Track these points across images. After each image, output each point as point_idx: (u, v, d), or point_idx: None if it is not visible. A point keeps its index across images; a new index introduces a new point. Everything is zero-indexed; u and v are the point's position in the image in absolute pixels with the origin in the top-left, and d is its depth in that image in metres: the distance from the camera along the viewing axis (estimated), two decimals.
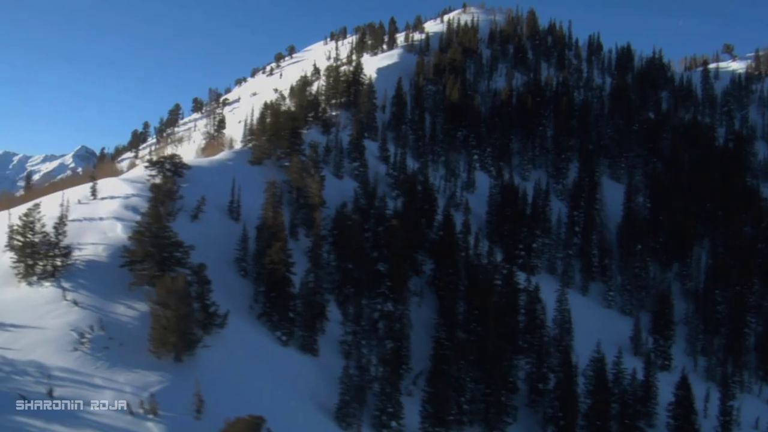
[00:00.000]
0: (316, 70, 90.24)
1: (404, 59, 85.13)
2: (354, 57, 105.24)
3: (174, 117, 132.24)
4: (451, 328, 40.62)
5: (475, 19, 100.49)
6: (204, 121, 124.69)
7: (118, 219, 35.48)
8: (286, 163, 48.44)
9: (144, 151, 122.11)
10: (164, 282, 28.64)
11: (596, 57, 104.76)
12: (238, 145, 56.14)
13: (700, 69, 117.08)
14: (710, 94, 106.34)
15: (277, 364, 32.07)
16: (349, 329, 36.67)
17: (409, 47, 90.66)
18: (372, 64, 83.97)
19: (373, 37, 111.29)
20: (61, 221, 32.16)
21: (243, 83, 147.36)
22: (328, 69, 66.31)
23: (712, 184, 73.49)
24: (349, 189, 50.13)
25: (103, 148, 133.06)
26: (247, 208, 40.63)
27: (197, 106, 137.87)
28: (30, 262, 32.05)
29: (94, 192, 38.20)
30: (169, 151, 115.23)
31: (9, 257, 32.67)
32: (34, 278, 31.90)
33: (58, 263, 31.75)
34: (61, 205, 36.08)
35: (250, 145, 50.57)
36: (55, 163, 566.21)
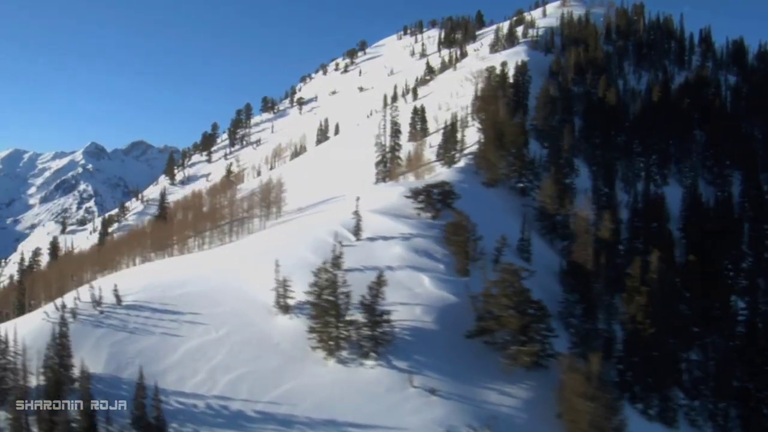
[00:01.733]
0: (430, 70, 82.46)
1: (532, 57, 77.48)
2: (447, 52, 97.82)
3: (241, 117, 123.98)
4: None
5: (585, 13, 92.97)
6: (278, 122, 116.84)
7: (416, 269, 28.00)
8: (519, 184, 41.28)
9: (219, 153, 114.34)
10: (571, 363, 21.61)
11: (709, 53, 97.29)
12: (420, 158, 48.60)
13: None
14: None
15: None
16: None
17: (533, 44, 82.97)
18: (496, 62, 76.42)
19: (463, 32, 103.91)
20: (380, 279, 24.58)
21: (308, 80, 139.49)
22: (489, 70, 58.65)
23: None
24: None
25: (171, 152, 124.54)
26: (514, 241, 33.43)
27: (267, 105, 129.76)
28: (334, 333, 24.69)
29: (357, 231, 30.63)
30: (247, 155, 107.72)
31: (306, 326, 25.32)
32: (343, 353, 24.58)
33: (376, 333, 24.35)
34: (334, 250, 28.60)
35: (463, 161, 43.13)
36: (65, 160, 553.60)
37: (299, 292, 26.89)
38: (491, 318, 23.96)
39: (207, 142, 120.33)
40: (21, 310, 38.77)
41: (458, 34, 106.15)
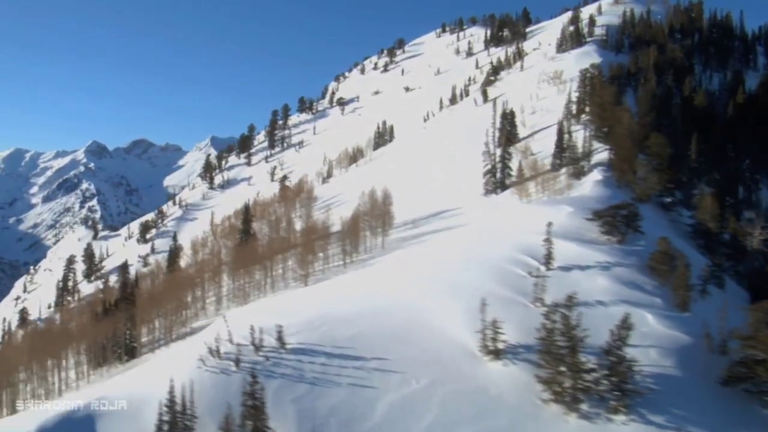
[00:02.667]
0: (495, 70, 78.89)
1: (604, 57, 74.15)
2: (496, 51, 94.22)
3: (277, 118, 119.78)
4: None
5: (647, 11, 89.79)
6: (319, 123, 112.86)
7: (631, 304, 24.51)
8: (668, 200, 38.00)
9: (257, 156, 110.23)
10: None
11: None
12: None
13: None
14: None
15: None
16: None
17: (603, 43, 79.60)
18: (568, 63, 73.27)
19: (511, 30, 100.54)
20: (626, 321, 21.23)
21: (343, 79, 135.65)
22: (584, 72, 55.19)
23: None
24: None
25: (208, 156, 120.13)
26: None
27: (305, 106, 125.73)
28: (570, 383, 21.33)
29: (549, 260, 27.17)
30: (290, 157, 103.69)
31: (526, 373, 22.03)
32: (583, 407, 21.21)
33: (623, 383, 21.00)
34: (536, 284, 25.22)
35: (599, 173, 39.71)
36: (66, 159, 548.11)
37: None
38: (756, 363, 20.70)
39: (244, 144, 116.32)
40: (129, 344, 35.04)
41: (505, 32, 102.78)
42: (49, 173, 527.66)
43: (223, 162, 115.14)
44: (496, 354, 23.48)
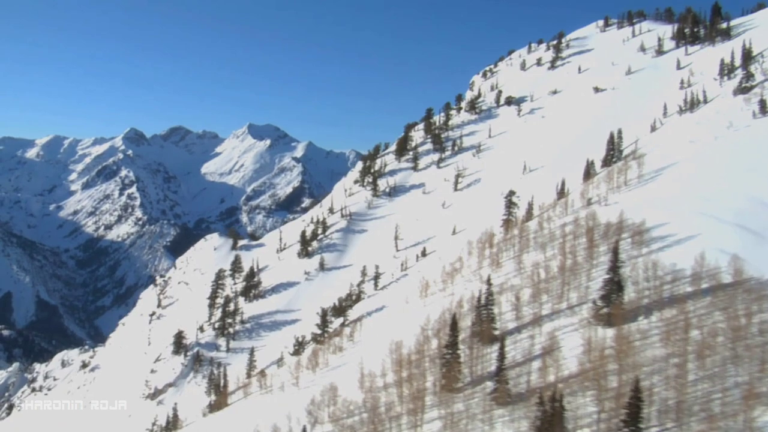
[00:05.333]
0: (748, 76, 68.30)
1: None
2: (695, 49, 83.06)
3: (430, 117, 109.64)
4: None
5: None
6: (492, 124, 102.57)
7: None
8: None
9: (426, 158, 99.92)
10: None
11: None
12: None
13: None
14: None
15: None
16: None
17: None
18: None
19: (707, 27, 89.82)
20: None
21: (490, 74, 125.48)
22: None
23: None
24: None
25: (366, 160, 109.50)
26: None
27: (465, 106, 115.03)
28: None
29: None
30: (468, 163, 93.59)
31: None
32: None
33: None
34: None
35: None
36: (105, 146, 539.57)
37: None
38: None
39: (401, 146, 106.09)
40: None
41: (701, 28, 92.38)
42: (87, 160, 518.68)
43: (379, 165, 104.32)
44: None
